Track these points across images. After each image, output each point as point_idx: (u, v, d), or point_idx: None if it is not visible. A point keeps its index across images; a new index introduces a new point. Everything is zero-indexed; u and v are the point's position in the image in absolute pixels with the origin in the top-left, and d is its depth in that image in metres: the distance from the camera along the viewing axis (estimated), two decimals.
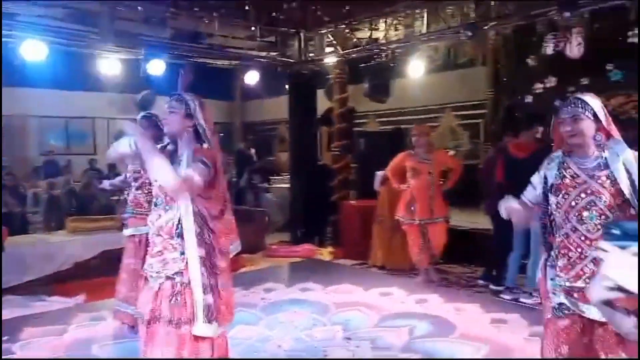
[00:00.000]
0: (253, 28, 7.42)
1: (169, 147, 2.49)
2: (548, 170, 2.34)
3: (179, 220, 2.34)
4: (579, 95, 2.29)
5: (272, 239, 7.76)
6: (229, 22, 7.24)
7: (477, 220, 6.37)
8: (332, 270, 6.13)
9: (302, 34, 7.78)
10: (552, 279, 2.29)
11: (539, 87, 7.41)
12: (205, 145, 2.42)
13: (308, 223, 7.68)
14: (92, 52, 6.67)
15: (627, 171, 2.20)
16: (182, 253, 2.33)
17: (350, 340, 3.89)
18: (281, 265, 6.55)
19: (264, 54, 7.70)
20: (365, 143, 8.38)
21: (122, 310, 3.86)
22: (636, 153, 2.25)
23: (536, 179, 2.40)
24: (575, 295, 2.19)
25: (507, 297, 4.86)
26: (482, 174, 5.53)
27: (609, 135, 2.29)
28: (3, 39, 5.66)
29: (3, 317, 4.45)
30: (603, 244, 1.17)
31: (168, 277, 2.34)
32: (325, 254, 7.02)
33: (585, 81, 6.74)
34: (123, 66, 7.03)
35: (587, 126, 2.24)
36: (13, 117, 11.46)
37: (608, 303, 1.23)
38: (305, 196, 7.74)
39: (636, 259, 1.12)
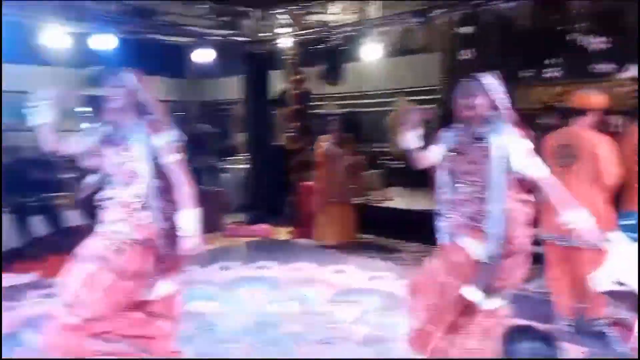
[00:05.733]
0: (207, 6, 7.32)
1: (104, 128, 2.54)
2: (445, 137, 2.67)
3: (141, 195, 2.42)
4: (479, 74, 2.56)
5: (228, 218, 7.79)
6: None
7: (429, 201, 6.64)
8: (288, 249, 6.25)
9: (254, 14, 7.73)
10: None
11: None
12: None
13: (265, 203, 7.74)
14: (38, 23, 6.42)
15: (501, 148, 2.44)
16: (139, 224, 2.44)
17: (304, 315, 4.03)
18: (238, 244, 6.61)
19: (218, 32, 7.62)
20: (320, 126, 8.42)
21: None
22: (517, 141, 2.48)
23: (438, 140, 2.72)
24: None
25: None
26: None
27: (497, 109, 2.53)
28: None
29: None
30: (613, 234, 0.94)
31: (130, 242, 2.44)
32: (282, 233, 7.12)
33: (528, 73, 7.03)
34: (73, 40, 6.81)
35: (480, 102, 2.50)
36: None
37: (611, 294, 1.06)
38: (262, 177, 7.79)
39: None
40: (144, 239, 2.43)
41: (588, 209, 3.16)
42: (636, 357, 2.34)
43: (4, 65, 10.52)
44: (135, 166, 2.41)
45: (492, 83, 2.51)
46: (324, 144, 6.38)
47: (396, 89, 10.53)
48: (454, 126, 2.67)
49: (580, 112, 3.47)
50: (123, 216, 2.44)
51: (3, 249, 5.50)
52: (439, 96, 9.16)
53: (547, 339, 2.16)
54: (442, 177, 2.68)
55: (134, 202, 2.43)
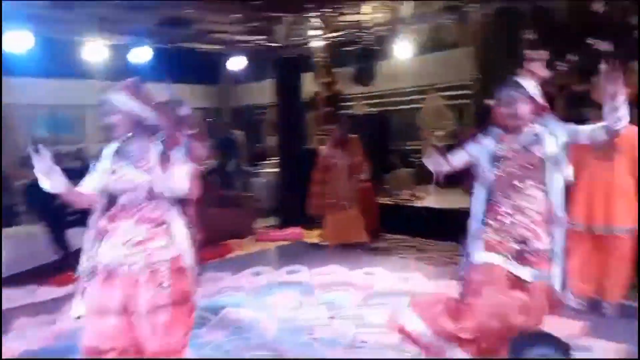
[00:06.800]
0: (239, 15, 7.41)
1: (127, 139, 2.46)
2: (487, 141, 2.58)
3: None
4: (516, 78, 2.50)
5: (260, 223, 7.88)
6: (215, 8, 7.23)
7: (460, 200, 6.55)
8: (318, 252, 6.28)
9: (286, 19, 7.78)
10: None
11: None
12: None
13: (296, 207, 7.77)
14: (77, 39, 6.70)
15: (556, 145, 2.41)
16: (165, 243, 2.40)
17: (334, 319, 4.05)
18: (269, 248, 6.69)
19: (250, 38, 7.72)
20: (351, 127, 8.41)
21: None
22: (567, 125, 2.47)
23: (471, 146, 2.64)
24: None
25: None
26: None
27: (542, 111, 2.49)
28: None
29: None
30: None
31: (151, 267, 2.38)
32: (313, 236, 7.16)
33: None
34: (110, 53, 7.07)
35: (523, 108, 2.44)
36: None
37: None
38: (293, 180, 7.83)
39: None
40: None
41: (626, 202, 3.25)
42: (636, 357, 2.40)
43: (45, 80, 11.04)
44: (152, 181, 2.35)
45: (529, 84, 2.46)
46: (323, 146, 6.38)
47: (428, 86, 10.41)
48: (494, 131, 2.58)
49: None
50: (145, 236, 2.39)
51: (42, 263, 5.65)
52: (471, 92, 9.00)
53: (560, 345, 2.12)
54: (482, 186, 2.60)
55: (157, 218, 2.40)
